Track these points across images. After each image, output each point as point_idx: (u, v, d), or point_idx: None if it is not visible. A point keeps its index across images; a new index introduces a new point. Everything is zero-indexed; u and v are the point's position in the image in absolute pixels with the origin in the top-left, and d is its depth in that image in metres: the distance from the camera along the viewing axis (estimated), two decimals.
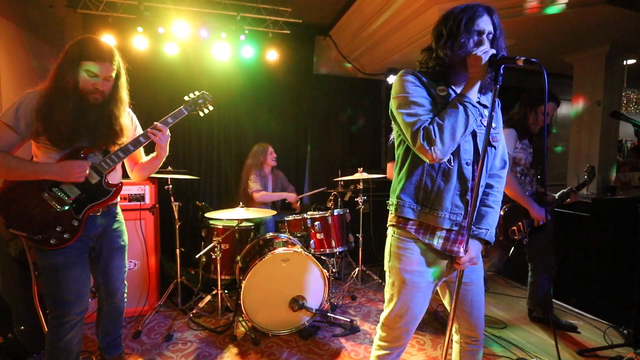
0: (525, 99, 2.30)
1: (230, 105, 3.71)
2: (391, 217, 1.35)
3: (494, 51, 1.13)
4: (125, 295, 1.86)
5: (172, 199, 2.69)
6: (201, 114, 1.85)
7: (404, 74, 1.25)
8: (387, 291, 1.38)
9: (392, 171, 2.93)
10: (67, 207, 1.50)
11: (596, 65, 3.44)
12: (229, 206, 2.84)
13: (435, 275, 1.32)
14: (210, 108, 1.86)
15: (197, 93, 1.80)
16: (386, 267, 1.39)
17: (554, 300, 2.73)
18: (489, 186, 1.34)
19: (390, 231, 1.37)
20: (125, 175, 1.82)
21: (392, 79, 4.13)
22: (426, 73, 1.27)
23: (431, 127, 1.13)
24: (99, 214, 1.63)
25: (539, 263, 2.48)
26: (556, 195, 2.40)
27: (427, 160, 1.20)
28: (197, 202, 2.94)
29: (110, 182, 1.61)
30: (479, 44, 1.19)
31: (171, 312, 2.73)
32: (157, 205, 2.74)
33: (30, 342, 2.01)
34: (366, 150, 4.56)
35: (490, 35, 1.20)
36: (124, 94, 1.63)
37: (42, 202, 1.47)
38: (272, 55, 3.48)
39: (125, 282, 1.84)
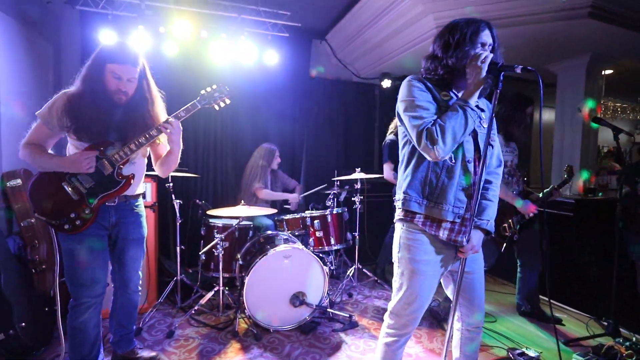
0: (508, 103, 2.43)
1: (228, 105, 3.72)
2: (399, 212, 1.45)
3: (490, 58, 1.25)
4: (139, 286, 1.91)
5: (172, 196, 2.70)
6: (217, 107, 1.85)
7: (412, 79, 1.36)
8: (396, 280, 1.47)
9: (389, 171, 3.04)
10: (81, 196, 1.61)
11: (577, 74, 3.66)
12: (225, 205, 2.87)
13: (442, 264, 1.41)
14: (228, 101, 1.86)
15: (214, 87, 1.81)
16: (395, 258, 1.48)
17: (540, 296, 2.88)
18: (487, 182, 1.45)
19: (398, 225, 1.46)
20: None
21: (386, 84, 4.26)
22: (431, 80, 1.38)
23: (433, 128, 1.24)
24: (114, 204, 1.70)
25: (527, 259, 2.62)
26: (540, 195, 2.55)
27: (431, 159, 1.31)
28: (197, 201, 2.96)
29: (121, 174, 1.67)
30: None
31: (171, 309, 2.73)
32: (157, 203, 2.75)
33: (31, 339, 1.99)
34: (360, 152, 4.67)
35: (490, 47, 1.33)
36: (154, 93, 1.74)
37: (61, 191, 1.59)
38: (271, 56, 3.54)
39: (140, 273, 1.90)
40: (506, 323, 2.64)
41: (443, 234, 1.36)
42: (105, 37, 2.95)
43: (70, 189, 1.59)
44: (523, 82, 4.42)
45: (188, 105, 1.75)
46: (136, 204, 1.82)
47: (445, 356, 1.47)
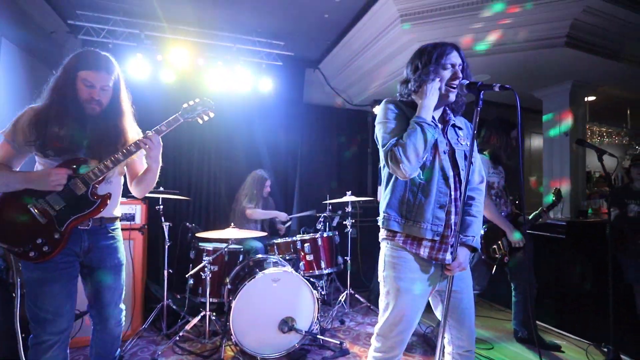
0: (492, 127, 2.48)
1: (223, 130, 3.82)
2: (382, 232, 1.45)
3: (437, 86, 1.34)
4: (121, 320, 1.73)
5: (162, 219, 2.69)
6: (200, 121, 1.72)
7: (386, 102, 1.43)
8: (382, 300, 1.43)
9: None
10: (49, 219, 1.44)
11: (561, 100, 3.79)
12: (218, 229, 2.85)
13: (428, 283, 1.39)
14: (211, 115, 1.73)
15: (197, 100, 1.69)
16: (380, 278, 1.45)
17: (537, 322, 2.81)
18: (470, 198, 1.46)
19: (383, 244, 1.46)
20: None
21: (377, 110, 4.38)
22: (405, 102, 1.44)
23: (395, 148, 1.29)
24: (87, 227, 1.54)
25: (520, 282, 2.58)
26: (529, 217, 2.56)
27: (400, 177, 1.35)
28: (187, 224, 2.94)
29: (97, 194, 1.52)
30: (455, 75, 1.36)
31: (155, 337, 2.63)
32: (146, 226, 2.72)
33: None
34: (353, 177, 4.70)
35: (460, 67, 1.40)
36: (126, 106, 1.60)
37: (26, 214, 1.43)
38: (265, 84, 3.66)
39: (122, 306, 1.72)
40: (503, 350, 2.54)
41: (424, 252, 1.36)
42: None
43: (36, 211, 1.42)
44: (507, 107, 4.55)
45: (170, 119, 1.63)
46: (112, 227, 1.64)
47: None
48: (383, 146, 1.34)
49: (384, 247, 1.44)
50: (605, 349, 2.40)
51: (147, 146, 1.54)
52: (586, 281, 3.00)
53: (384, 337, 1.42)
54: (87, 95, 1.47)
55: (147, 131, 1.59)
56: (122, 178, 1.74)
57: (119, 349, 1.82)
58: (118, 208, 1.71)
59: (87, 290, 1.64)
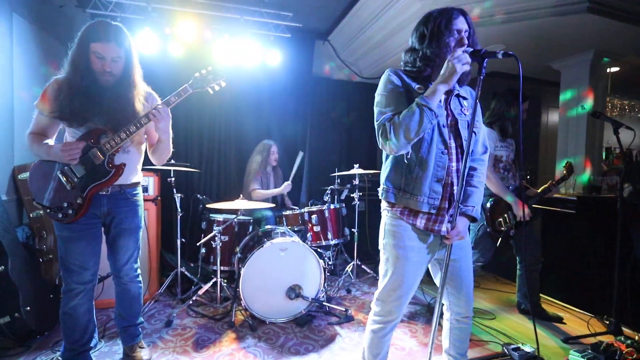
0: (502, 99, 2.42)
1: (232, 104, 3.84)
2: (383, 202, 1.49)
3: (463, 57, 1.23)
4: (137, 279, 1.90)
5: (174, 190, 2.78)
6: (210, 91, 1.76)
7: (389, 73, 1.39)
8: (382, 267, 1.49)
9: None
10: (73, 186, 1.62)
11: (581, 71, 3.60)
12: (228, 200, 2.94)
13: (427, 251, 1.43)
14: (223, 84, 1.77)
15: (209, 68, 1.73)
16: (380, 245, 1.50)
17: (542, 295, 2.84)
18: (472, 169, 1.46)
19: (384, 213, 1.49)
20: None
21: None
22: (409, 72, 1.40)
23: (387, 124, 1.29)
24: (106, 193, 1.69)
25: (526, 255, 2.59)
26: (538, 190, 2.53)
27: (388, 153, 1.36)
28: (198, 196, 3.03)
29: (112, 163, 1.64)
30: (460, 42, 1.32)
31: (170, 301, 2.80)
32: (159, 197, 2.83)
33: (35, 322, 2.08)
34: (362, 151, 4.69)
35: (467, 33, 1.35)
36: (136, 77, 1.65)
37: (56, 180, 1.62)
38: (274, 57, 3.61)
39: (137, 265, 1.88)
40: (505, 320, 2.60)
41: (420, 224, 1.38)
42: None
43: (64, 178, 1.60)
44: (541, 84, 4.36)
45: (179, 89, 1.68)
46: (132, 192, 1.79)
47: (432, 344, 1.47)
48: (376, 120, 1.35)
49: (385, 216, 1.48)
50: (607, 322, 2.42)
51: (155, 118, 1.61)
52: (595, 256, 2.99)
53: (383, 301, 1.49)
54: (100, 67, 1.55)
55: (158, 103, 1.66)
56: (143, 147, 1.84)
57: (140, 317, 1.98)
58: (138, 175, 1.83)
59: (107, 246, 1.81)
